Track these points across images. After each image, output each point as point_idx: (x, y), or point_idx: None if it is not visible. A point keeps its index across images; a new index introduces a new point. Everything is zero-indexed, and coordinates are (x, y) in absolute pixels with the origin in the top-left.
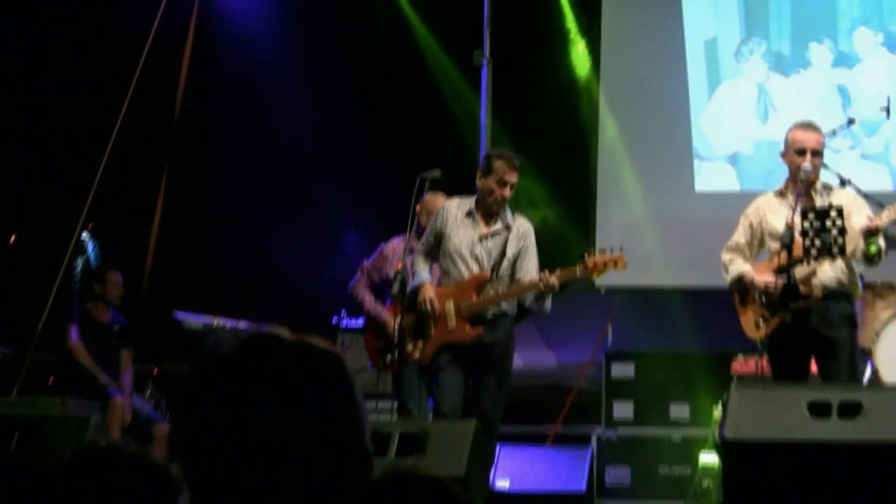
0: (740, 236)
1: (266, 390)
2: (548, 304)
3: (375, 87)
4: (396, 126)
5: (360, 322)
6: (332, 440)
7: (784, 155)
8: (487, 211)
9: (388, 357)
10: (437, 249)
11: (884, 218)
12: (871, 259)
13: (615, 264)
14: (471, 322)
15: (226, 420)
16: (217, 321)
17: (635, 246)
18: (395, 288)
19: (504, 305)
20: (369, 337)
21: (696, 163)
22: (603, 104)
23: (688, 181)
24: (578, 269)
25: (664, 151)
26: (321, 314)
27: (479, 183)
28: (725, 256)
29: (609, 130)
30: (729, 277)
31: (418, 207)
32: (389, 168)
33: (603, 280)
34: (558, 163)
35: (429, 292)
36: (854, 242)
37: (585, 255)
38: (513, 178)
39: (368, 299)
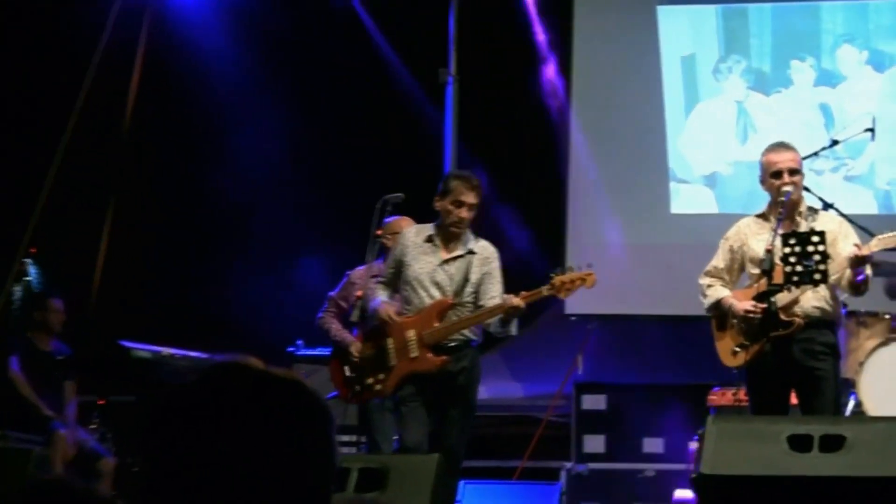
0: (720, 260)
1: (233, 425)
2: (513, 327)
3: (336, 108)
4: (358, 149)
5: (318, 351)
6: (301, 478)
7: (762, 181)
8: (448, 235)
9: (357, 387)
10: (397, 280)
11: (872, 247)
12: (856, 288)
13: (583, 281)
14: (434, 351)
15: (188, 456)
16: (166, 351)
17: (608, 271)
18: (356, 315)
19: (468, 333)
20: (336, 365)
21: (672, 185)
22: (574, 124)
23: (664, 203)
24: (545, 289)
25: (639, 173)
26: (276, 342)
27: (437, 206)
28: (704, 281)
29: (580, 151)
30: (707, 302)
31: (379, 231)
32: (350, 193)
33: (574, 307)
34: (527, 185)
35: (388, 308)
36: (840, 270)
37: (553, 274)
38: (470, 198)
39: (336, 327)
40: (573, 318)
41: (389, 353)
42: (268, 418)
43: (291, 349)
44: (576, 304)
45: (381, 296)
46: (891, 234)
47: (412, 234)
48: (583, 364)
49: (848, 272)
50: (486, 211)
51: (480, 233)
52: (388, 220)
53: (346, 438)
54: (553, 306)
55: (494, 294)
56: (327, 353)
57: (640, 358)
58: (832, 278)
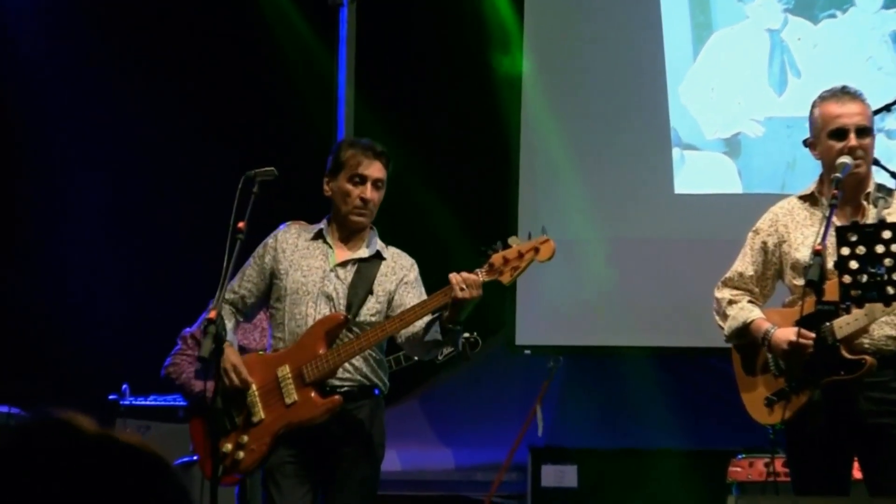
0: (747, 264)
1: (58, 501)
2: (458, 338)
3: (174, 45)
4: (206, 111)
5: (154, 400)
6: None
7: (813, 145)
8: (346, 230)
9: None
10: (257, 299)
11: None
12: None
13: (536, 253)
14: (319, 391)
15: None
16: None
17: (577, 281)
18: (205, 349)
19: (368, 373)
20: (196, 424)
21: (675, 152)
22: (528, 65)
23: (663, 179)
24: (481, 273)
25: (624, 136)
26: (91, 388)
27: (327, 190)
28: (722, 294)
29: (536, 109)
30: (727, 327)
31: (241, 224)
32: (205, 171)
33: (528, 335)
34: (458, 156)
35: (231, 357)
36: None
37: (489, 250)
38: (374, 170)
39: (188, 373)
40: (527, 352)
41: (252, 403)
42: (104, 494)
43: (114, 397)
44: (531, 331)
45: (205, 342)
46: None
47: (292, 235)
48: (542, 420)
49: None
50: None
51: (393, 237)
52: (282, 227)
53: None
54: (498, 334)
55: (416, 300)
56: (172, 402)
57: (625, 410)
58: None
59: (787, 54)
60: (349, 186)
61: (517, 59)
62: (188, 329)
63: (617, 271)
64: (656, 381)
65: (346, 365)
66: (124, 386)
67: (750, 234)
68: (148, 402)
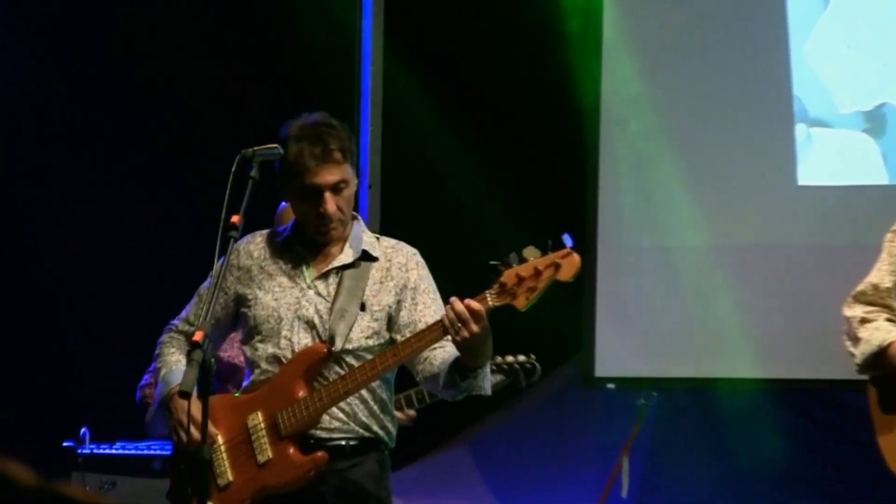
0: (884, 274)
1: None
2: (485, 382)
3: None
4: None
5: (121, 448)
6: None
7: None
8: (317, 238)
9: None
10: (220, 329)
11: None
12: None
13: (556, 270)
14: (301, 446)
15: None
16: None
17: (670, 298)
18: (188, 381)
19: (367, 420)
20: (174, 470)
21: (799, 129)
22: (609, 20)
23: (782, 167)
24: (490, 296)
25: (734, 112)
26: (40, 431)
27: (283, 197)
28: (853, 312)
29: (620, 76)
30: (860, 353)
31: (235, 218)
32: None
33: (611, 365)
34: (518, 133)
35: (179, 404)
36: None
37: (499, 265)
38: (328, 174)
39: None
40: (610, 387)
41: (218, 461)
42: None
43: (70, 444)
44: (615, 358)
45: (172, 361)
46: None
47: (257, 247)
48: (629, 476)
49: None
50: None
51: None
52: (283, 205)
53: None
54: (571, 362)
55: (432, 315)
56: (146, 451)
57: (735, 461)
58: None
59: None
60: (299, 203)
61: (595, 4)
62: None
63: (724, 285)
64: (774, 423)
65: (337, 411)
66: (83, 430)
67: (888, 237)
68: (114, 451)
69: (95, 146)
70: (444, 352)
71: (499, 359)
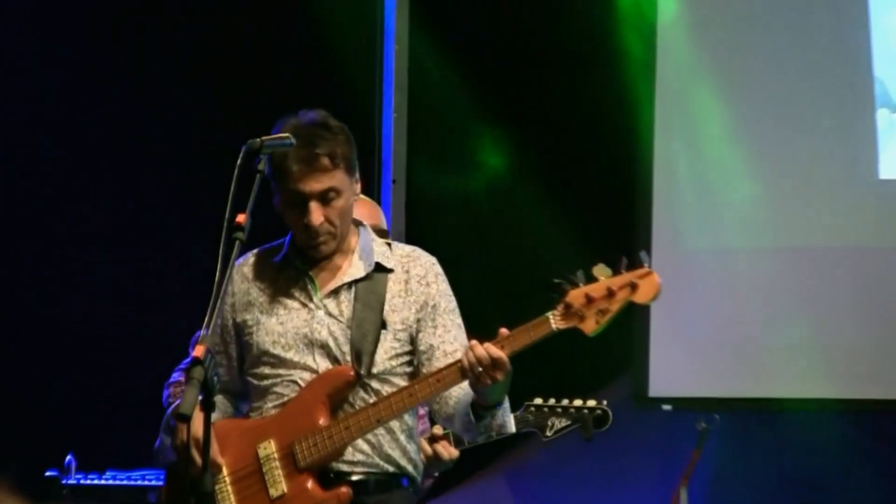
0: None
1: None
2: (505, 418)
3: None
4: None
5: (111, 478)
6: None
7: None
8: (307, 251)
9: None
10: (230, 371)
11: None
12: None
13: (633, 291)
14: (319, 480)
15: None
16: None
17: (732, 307)
18: (187, 403)
19: (394, 455)
20: (169, 493)
21: (881, 117)
22: (664, 8)
23: (861, 159)
24: (553, 318)
25: (805, 96)
26: (22, 458)
27: (274, 203)
28: None
29: (678, 65)
30: None
31: (241, 218)
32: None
33: (666, 384)
34: (565, 130)
35: (180, 431)
36: None
37: (563, 283)
38: (314, 182)
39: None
40: (666, 408)
41: (222, 495)
42: None
43: (54, 473)
44: (672, 377)
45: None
46: None
47: (251, 268)
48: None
49: None
50: None
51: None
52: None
53: None
54: (617, 381)
55: (451, 342)
56: (140, 481)
57: (808, 490)
58: None
59: None
60: (286, 210)
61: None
62: (179, 368)
63: (794, 293)
64: (853, 449)
65: (361, 442)
66: (69, 458)
67: None
68: (103, 481)
69: (95, 146)
70: (460, 389)
71: (565, 402)
